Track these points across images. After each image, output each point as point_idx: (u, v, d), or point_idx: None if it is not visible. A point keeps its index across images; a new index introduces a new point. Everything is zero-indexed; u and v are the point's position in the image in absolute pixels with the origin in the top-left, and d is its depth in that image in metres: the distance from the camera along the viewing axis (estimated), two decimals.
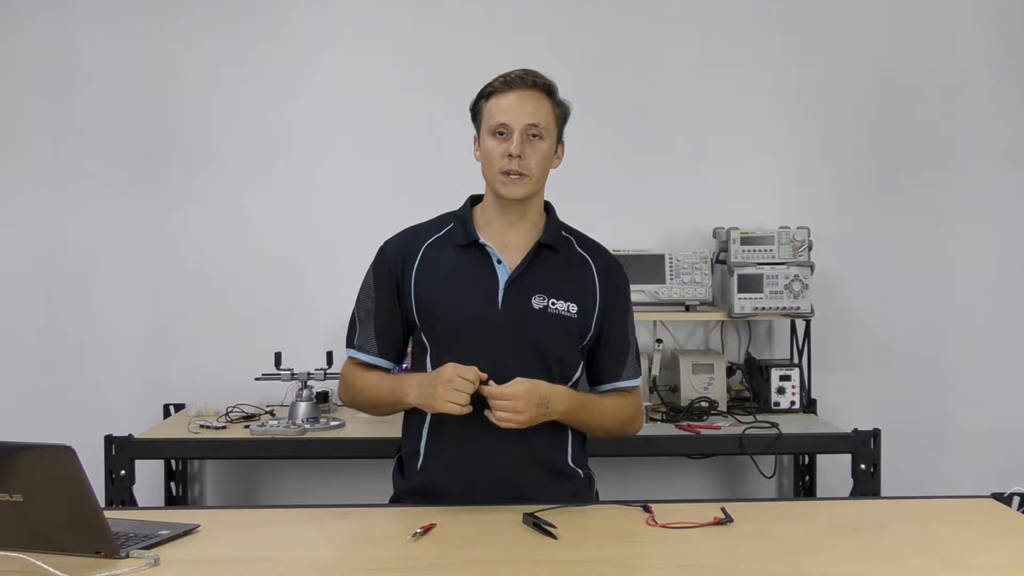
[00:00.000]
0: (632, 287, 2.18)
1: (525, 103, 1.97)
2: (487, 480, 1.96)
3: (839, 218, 3.58)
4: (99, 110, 3.56)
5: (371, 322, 2.08)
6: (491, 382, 1.89)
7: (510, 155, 1.95)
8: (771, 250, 3.35)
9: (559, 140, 2.05)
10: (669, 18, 3.59)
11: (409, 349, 2.14)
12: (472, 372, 1.87)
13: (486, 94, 2.01)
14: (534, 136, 1.97)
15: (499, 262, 2.01)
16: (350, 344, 2.12)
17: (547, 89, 2.00)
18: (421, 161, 3.53)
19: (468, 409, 1.86)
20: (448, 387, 1.86)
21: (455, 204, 2.14)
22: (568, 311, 2.01)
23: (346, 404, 2.17)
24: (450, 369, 1.87)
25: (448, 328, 2.01)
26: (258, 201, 3.58)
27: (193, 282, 3.57)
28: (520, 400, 1.87)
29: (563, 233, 2.09)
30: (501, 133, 1.97)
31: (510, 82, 1.98)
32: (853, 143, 3.61)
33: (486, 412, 1.88)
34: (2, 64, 3.56)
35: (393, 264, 2.06)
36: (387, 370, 2.11)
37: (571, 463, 2.05)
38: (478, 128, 2.04)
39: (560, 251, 2.05)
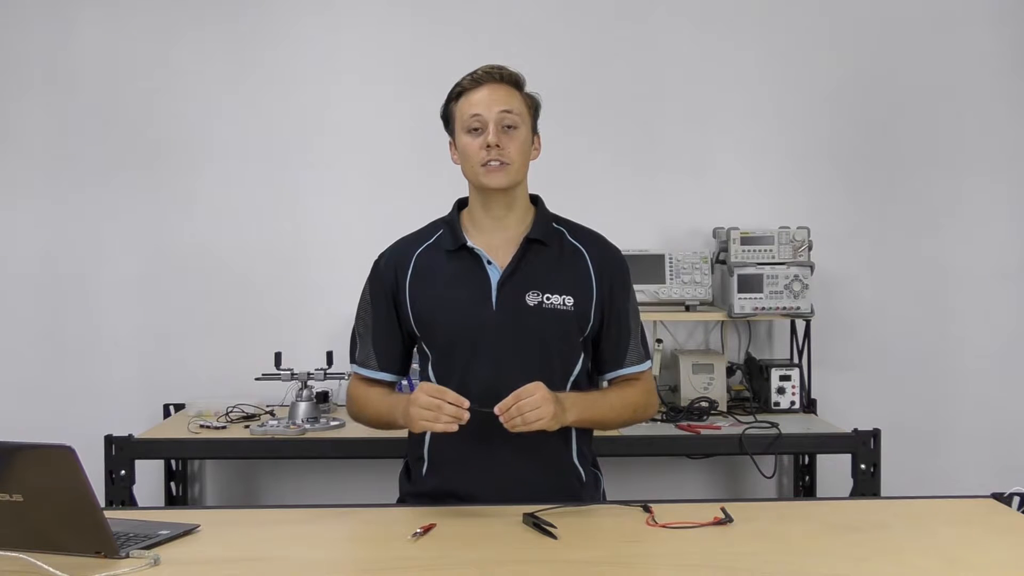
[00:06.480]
0: (632, 287, 2.17)
1: (496, 95, 1.97)
2: (493, 482, 1.95)
3: (839, 218, 3.58)
4: (98, 109, 3.57)
5: (370, 337, 2.08)
6: (474, 405, 1.82)
7: (488, 146, 1.94)
8: (771, 250, 3.35)
9: (534, 131, 2.05)
10: (669, 18, 3.59)
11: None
12: (450, 394, 1.81)
13: (455, 95, 2.01)
14: (509, 126, 1.96)
15: (489, 263, 2.01)
16: (353, 360, 2.12)
17: (515, 81, 2.01)
18: (423, 161, 3.52)
19: (450, 428, 1.81)
20: (418, 410, 1.82)
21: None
22: (564, 304, 1.99)
23: (355, 420, 2.15)
24: (423, 396, 1.82)
25: (446, 334, 2.01)
26: (258, 201, 3.58)
27: (193, 282, 3.57)
28: (539, 393, 1.82)
29: (554, 225, 2.07)
30: (476, 128, 1.96)
31: (478, 78, 1.98)
32: (853, 143, 3.61)
33: (506, 425, 1.82)
34: (1, 64, 3.57)
35: (387, 278, 2.06)
36: (391, 383, 2.11)
37: (576, 462, 2.04)
38: (452, 131, 2.03)
39: (551, 244, 2.04)
